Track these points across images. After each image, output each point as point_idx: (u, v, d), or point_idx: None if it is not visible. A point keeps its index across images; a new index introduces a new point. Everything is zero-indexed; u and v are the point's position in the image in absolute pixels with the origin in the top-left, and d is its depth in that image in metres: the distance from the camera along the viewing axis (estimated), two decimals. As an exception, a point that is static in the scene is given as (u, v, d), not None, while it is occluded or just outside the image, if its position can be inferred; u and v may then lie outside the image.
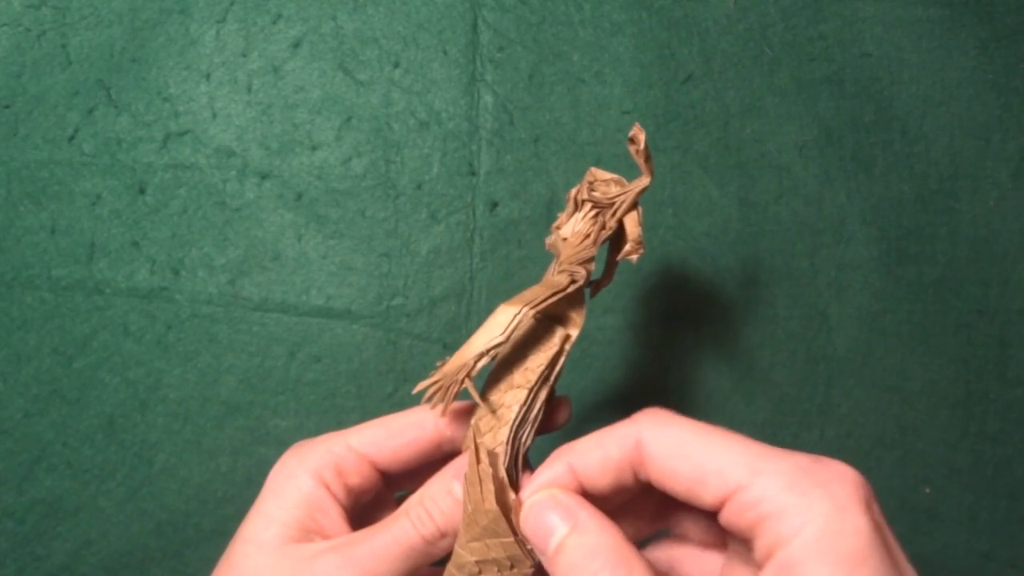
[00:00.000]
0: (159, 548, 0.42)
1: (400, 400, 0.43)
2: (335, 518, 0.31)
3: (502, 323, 0.29)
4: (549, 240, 0.34)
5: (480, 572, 0.29)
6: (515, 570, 0.30)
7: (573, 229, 0.32)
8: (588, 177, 0.33)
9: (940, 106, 0.46)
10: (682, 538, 0.32)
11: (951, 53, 0.46)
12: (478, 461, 0.29)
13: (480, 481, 0.29)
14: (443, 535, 0.30)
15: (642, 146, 0.30)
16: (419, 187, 0.44)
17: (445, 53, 0.45)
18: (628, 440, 0.27)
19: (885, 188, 0.45)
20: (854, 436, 0.44)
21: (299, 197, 0.44)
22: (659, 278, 0.44)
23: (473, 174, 0.44)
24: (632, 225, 0.31)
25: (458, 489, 0.30)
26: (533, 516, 0.28)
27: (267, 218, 0.44)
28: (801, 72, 0.45)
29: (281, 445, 0.42)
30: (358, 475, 0.32)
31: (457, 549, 0.30)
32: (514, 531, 0.29)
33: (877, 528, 0.22)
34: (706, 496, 0.25)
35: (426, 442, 0.32)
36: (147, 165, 0.44)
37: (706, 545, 0.31)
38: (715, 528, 0.30)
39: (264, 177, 0.44)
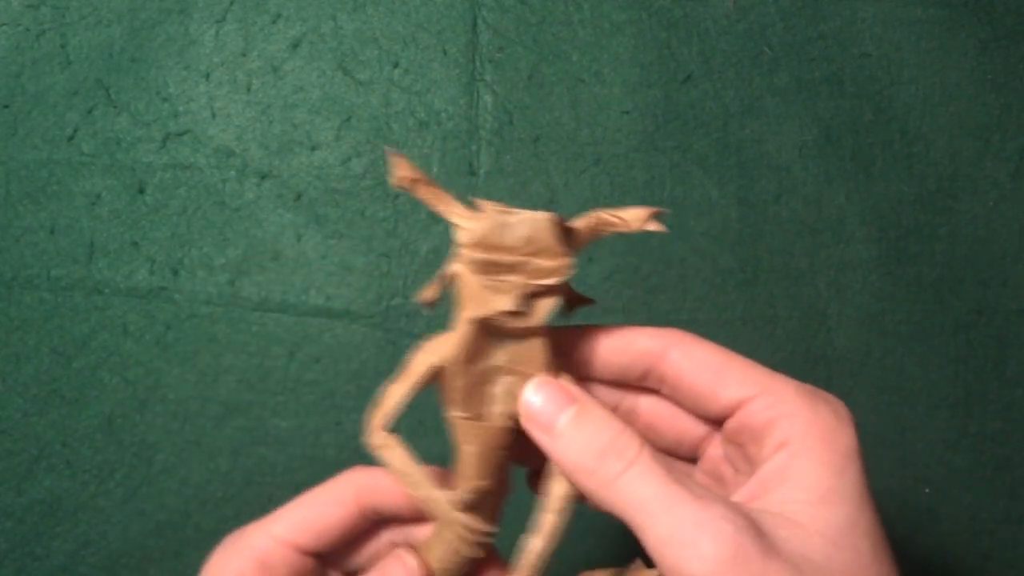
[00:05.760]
0: (159, 548, 0.42)
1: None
2: None
3: None
4: None
5: None
6: None
7: None
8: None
9: (940, 106, 0.46)
10: None
11: (951, 53, 0.46)
12: None
13: None
14: None
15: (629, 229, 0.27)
16: (419, 187, 0.44)
17: (445, 53, 0.45)
18: (655, 341, 0.29)
19: (885, 188, 0.45)
20: (854, 436, 0.44)
21: (298, 197, 0.44)
22: (659, 278, 0.44)
23: (473, 174, 0.44)
24: None
25: (408, 559, 0.30)
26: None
27: (266, 218, 0.44)
28: (801, 72, 0.45)
29: (280, 445, 0.42)
30: (284, 567, 0.31)
31: None
32: None
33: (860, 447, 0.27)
34: (722, 399, 0.28)
35: (348, 517, 0.31)
36: (146, 165, 0.44)
37: None
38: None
39: (263, 177, 0.44)
